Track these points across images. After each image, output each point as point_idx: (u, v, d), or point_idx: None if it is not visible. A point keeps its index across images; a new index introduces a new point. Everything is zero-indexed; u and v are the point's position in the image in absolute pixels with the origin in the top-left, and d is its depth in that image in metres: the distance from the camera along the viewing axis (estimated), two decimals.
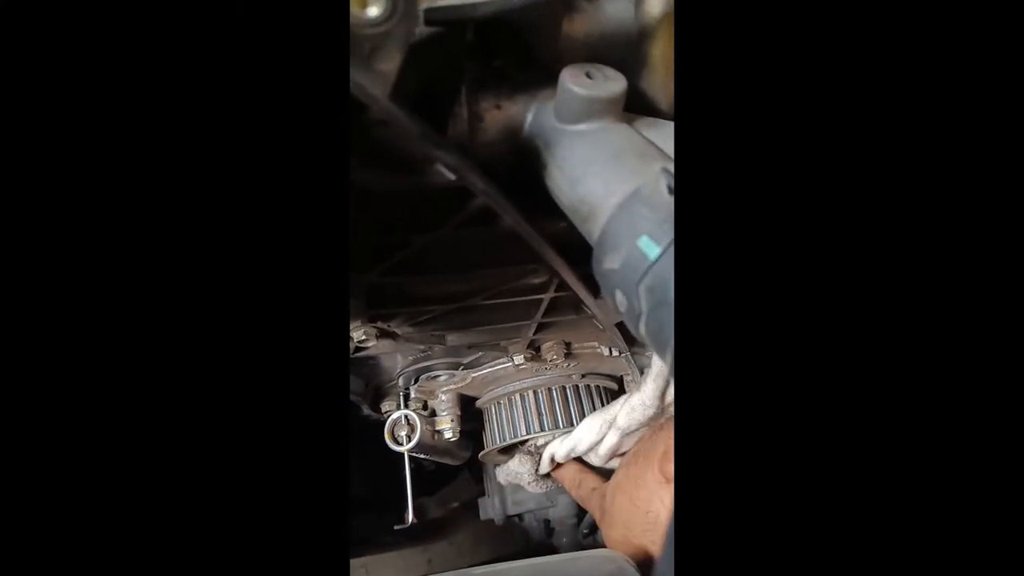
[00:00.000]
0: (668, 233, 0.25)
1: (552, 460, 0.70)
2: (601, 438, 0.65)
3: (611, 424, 0.64)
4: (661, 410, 0.62)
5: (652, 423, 0.63)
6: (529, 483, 0.76)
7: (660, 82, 0.37)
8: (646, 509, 0.54)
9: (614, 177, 0.30)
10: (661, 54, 0.36)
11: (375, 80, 0.22)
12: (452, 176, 0.30)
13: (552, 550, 0.82)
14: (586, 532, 0.79)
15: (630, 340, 0.59)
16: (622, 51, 0.36)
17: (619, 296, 0.28)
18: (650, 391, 0.61)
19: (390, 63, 0.21)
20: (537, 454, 0.73)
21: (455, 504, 1.02)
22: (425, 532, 0.94)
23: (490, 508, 0.83)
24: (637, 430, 0.64)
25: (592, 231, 0.31)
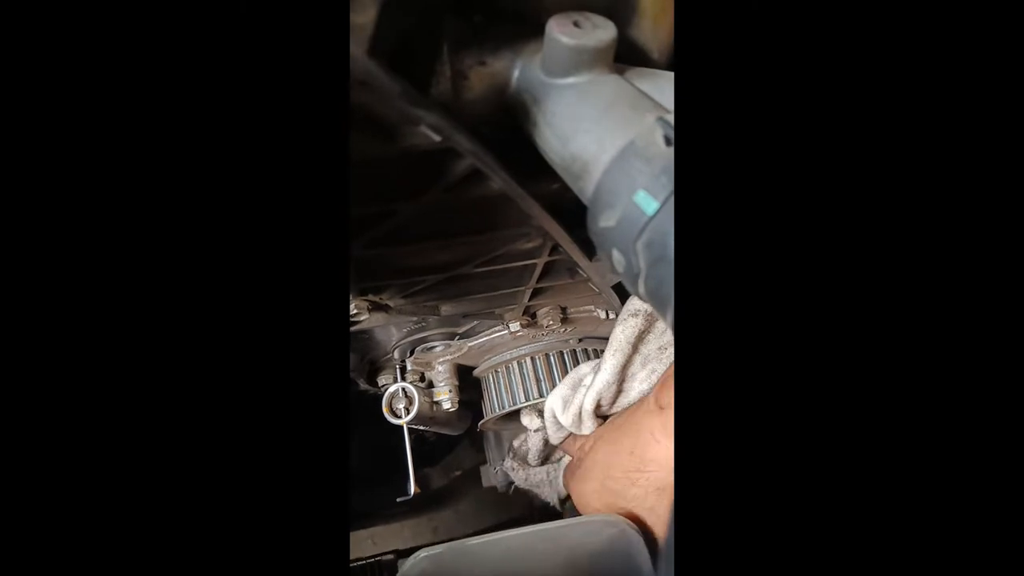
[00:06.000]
0: (665, 186, 0.24)
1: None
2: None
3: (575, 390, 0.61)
4: (620, 385, 0.58)
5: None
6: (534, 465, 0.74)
7: (650, 30, 0.35)
8: (630, 449, 0.52)
9: (607, 131, 0.28)
10: (651, 0, 0.34)
11: (351, 35, 0.21)
12: (437, 137, 0.29)
13: (555, 514, 0.83)
14: (563, 499, 0.79)
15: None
16: None
17: (616, 255, 0.27)
18: (609, 368, 0.56)
19: (364, 16, 0.20)
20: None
21: (457, 473, 1.03)
22: (430, 501, 0.95)
23: (492, 476, 0.84)
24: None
25: (586, 189, 0.29)
